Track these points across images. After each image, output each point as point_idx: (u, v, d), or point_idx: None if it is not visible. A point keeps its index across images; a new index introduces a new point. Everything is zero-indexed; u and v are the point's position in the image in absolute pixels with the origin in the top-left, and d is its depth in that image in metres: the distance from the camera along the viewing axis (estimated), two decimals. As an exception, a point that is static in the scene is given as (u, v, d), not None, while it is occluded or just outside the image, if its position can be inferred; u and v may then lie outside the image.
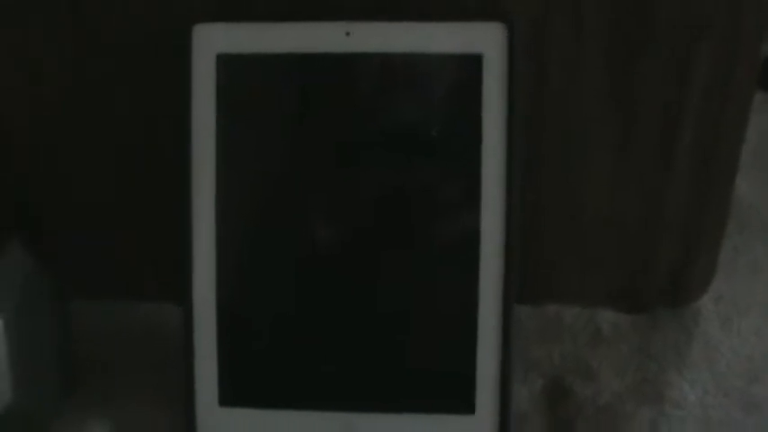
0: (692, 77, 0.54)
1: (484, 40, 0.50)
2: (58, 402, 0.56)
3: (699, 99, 0.54)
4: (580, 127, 0.56)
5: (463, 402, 0.52)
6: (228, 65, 0.51)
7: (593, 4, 0.52)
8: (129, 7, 0.53)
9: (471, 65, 0.50)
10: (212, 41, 0.51)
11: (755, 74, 0.54)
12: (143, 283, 0.61)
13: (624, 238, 0.59)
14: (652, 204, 0.58)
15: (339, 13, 0.51)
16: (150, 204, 0.58)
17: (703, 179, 0.57)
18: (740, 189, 0.60)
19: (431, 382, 0.53)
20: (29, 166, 0.58)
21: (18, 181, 0.59)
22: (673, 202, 0.58)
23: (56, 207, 0.59)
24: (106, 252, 0.61)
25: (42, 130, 0.57)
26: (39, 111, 0.56)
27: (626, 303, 0.61)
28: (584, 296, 0.61)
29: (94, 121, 0.57)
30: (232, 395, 0.53)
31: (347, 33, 0.51)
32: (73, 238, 0.60)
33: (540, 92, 0.54)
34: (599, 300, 0.61)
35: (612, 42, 0.53)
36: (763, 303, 0.63)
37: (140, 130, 0.56)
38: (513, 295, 0.52)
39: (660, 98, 0.55)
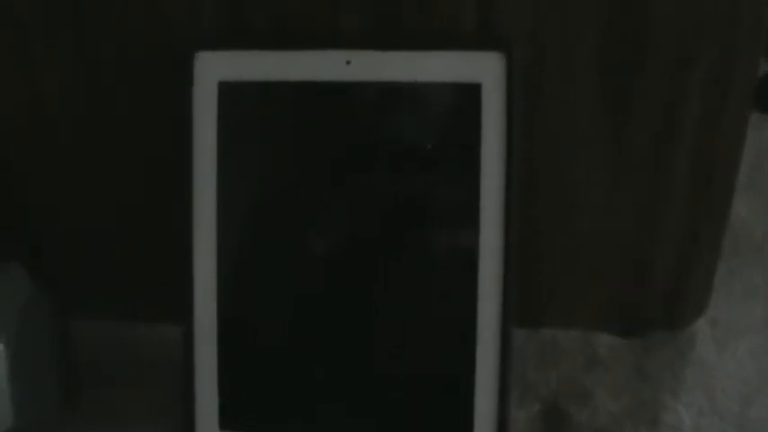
0: (688, 97, 0.54)
1: (483, 69, 0.51)
2: (58, 423, 0.57)
3: (694, 119, 0.55)
4: (574, 148, 0.56)
5: (461, 425, 0.53)
6: (230, 92, 0.52)
7: (588, 19, 0.52)
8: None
9: (470, 94, 0.51)
10: (214, 69, 0.52)
11: (751, 93, 0.55)
12: (144, 304, 0.61)
13: (620, 262, 0.60)
14: (648, 227, 0.58)
15: (340, 42, 0.52)
16: (151, 225, 0.58)
17: (699, 200, 0.57)
18: (735, 210, 0.60)
19: (429, 407, 0.54)
20: (27, 179, 0.59)
21: (16, 194, 0.59)
22: (668, 225, 0.58)
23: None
24: (106, 273, 0.61)
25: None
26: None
27: (622, 327, 0.62)
28: (581, 320, 0.61)
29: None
30: (232, 419, 0.54)
31: (348, 62, 0.51)
32: (73, 257, 0.60)
33: (533, 113, 0.55)
34: (595, 323, 0.62)
35: (606, 59, 0.53)
36: (758, 326, 0.63)
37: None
38: (511, 318, 0.52)
39: (655, 118, 0.55)
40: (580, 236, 0.59)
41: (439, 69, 0.51)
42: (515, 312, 0.52)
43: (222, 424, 0.54)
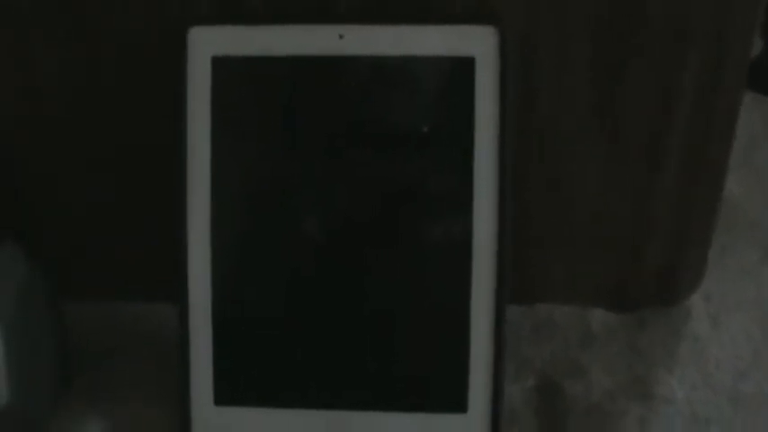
0: (681, 78, 0.54)
1: (476, 43, 0.51)
2: (55, 402, 0.57)
3: (688, 99, 0.55)
4: (568, 129, 0.56)
5: (455, 401, 0.53)
6: (224, 67, 0.52)
7: (583, 6, 0.52)
8: (128, 8, 0.53)
9: (464, 68, 0.51)
10: (208, 44, 0.51)
11: (744, 74, 0.55)
12: (139, 282, 0.61)
13: (614, 238, 0.60)
14: (641, 204, 0.59)
15: (333, 16, 0.52)
16: (147, 205, 0.58)
17: (693, 179, 0.58)
18: (729, 188, 0.60)
19: (423, 381, 0.54)
20: (28, 166, 0.59)
21: (16, 181, 0.59)
22: (662, 202, 0.59)
23: (53, 207, 0.60)
24: (102, 252, 0.61)
25: (42, 131, 0.57)
26: (38, 111, 0.57)
27: (616, 302, 0.62)
28: (575, 296, 0.62)
29: (94, 121, 0.57)
30: (227, 394, 0.54)
31: (341, 36, 0.51)
32: (69, 237, 0.60)
33: (527, 97, 0.55)
34: (589, 299, 0.62)
35: (600, 44, 0.53)
36: (751, 302, 0.63)
37: (139, 130, 0.57)
38: (505, 295, 0.52)
39: (648, 99, 0.55)
40: (574, 212, 0.59)
41: (432, 43, 0.51)
42: (510, 288, 0.52)
43: (217, 400, 0.54)
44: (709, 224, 0.60)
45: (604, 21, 0.52)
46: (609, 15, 0.52)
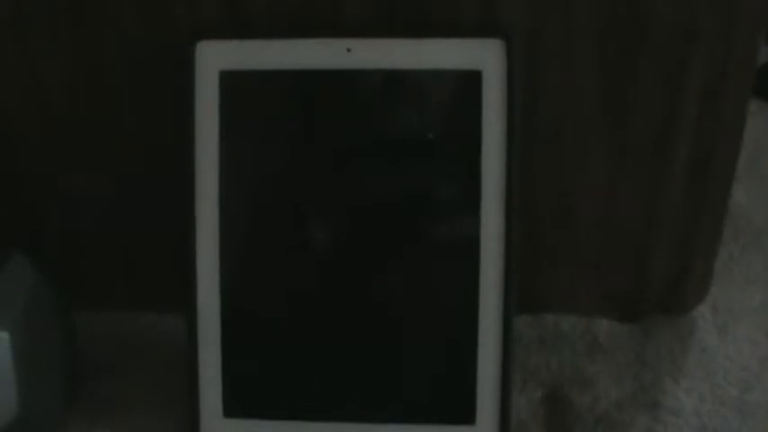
0: (687, 83, 0.54)
1: (483, 56, 0.51)
2: (63, 413, 0.57)
3: (694, 106, 0.55)
4: (574, 136, 0.56)
5: (464, 412, 0.53)
6: (231, 81, 0.52)
7: (589, 6, 0.52)
8: (129, 8, 0.53)
9: (471, 81, 0.51)
10: (215, 58, 0.52)
11: (751, 75, 0.55)
12: (148, 293, 0.61)
13: (620, 248, 0.60)
14: (648, 213, 0.59)
15: (340, 30, 0.52)
16: (155, 215, 0.58)
17: (699, 187, 0.58)
18: (735, 197, 0.60)
19: (432, 393, 0.54)
20: (30, 168, 0.59)
21: (19, 184, 0.59)
22: (669, 211, 0.58)
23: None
24: (110, 262, 0.61)
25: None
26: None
27: (623, 312, 0.62)
28: (582, 306, 0.62)
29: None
30: (236, 406, 0.54)
31: (348, 50, 0.51)
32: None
33: (533, 101, 0.55)
34: (596, 309, 0.62)
35: (605, 49, 0.53)
36: (758, 311, 0.63)
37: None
38: (512, 305, 0.52)
39: (654, 105, 0.55)
40: (580, 221, 0.59)
41: (439, 57, 0.51)
42: (516, 299, 0.53)
43: (226, 412, 0.54)
44: (716, 231, 0.60)
45: (610, 21, 0.52)
46: (614, 15, 0.52)
